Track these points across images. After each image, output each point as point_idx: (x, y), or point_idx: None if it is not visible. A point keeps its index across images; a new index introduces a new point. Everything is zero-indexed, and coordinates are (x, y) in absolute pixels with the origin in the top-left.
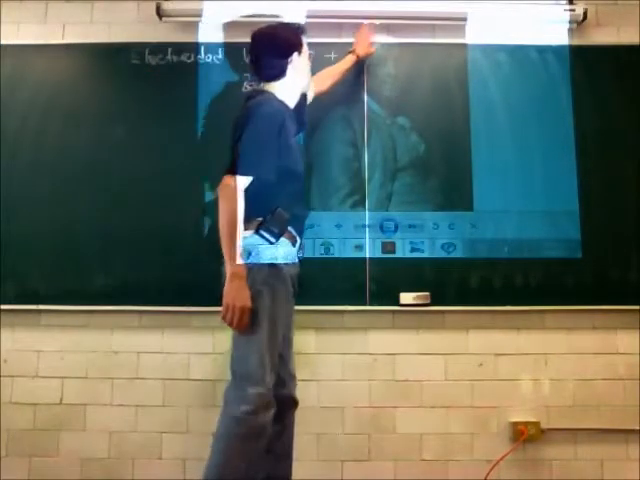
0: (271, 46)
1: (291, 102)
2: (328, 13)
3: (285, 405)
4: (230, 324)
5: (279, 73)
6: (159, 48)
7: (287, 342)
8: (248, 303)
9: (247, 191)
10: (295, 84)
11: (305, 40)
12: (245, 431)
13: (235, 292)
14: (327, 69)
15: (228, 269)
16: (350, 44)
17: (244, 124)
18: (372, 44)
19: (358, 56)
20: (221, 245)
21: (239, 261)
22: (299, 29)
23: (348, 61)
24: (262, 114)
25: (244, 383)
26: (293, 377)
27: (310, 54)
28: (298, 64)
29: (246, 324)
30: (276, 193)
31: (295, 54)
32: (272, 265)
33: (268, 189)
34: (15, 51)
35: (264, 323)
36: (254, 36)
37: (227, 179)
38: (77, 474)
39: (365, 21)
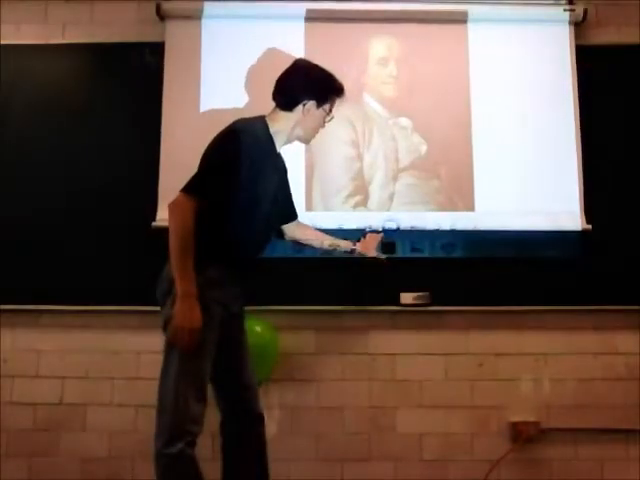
0: (301, 77)
1: (280, 142)
2: (329, 14)
3: (249, 422)
4: (179, 346)
5: (288, 105)
6: (159, 48)
7: (241, 360)
8: (199, 324)
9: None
10: (295, 129)
11: (334, 102)
12: (164, 464)
13: (186, 313)
14: (315, 230)
15: (178, 288)
16: None
17: (210, 142)
18: (376, 252)
19: (354, 250)
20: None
21: (191, 279)
22: (337, 90)
23: (342, 243)
24: (224, 139)
25: (160, 413)
26: (254, 393)
27: (330, 119)
28: (311, 114)
29: (195, 346)
30: (211, 223)
31: (314, 102)
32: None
33: (212, 219)
34: (15, 51)
35: (176, 354)
36: (296, 61)
37: (178, 196)
38: (77, 474)
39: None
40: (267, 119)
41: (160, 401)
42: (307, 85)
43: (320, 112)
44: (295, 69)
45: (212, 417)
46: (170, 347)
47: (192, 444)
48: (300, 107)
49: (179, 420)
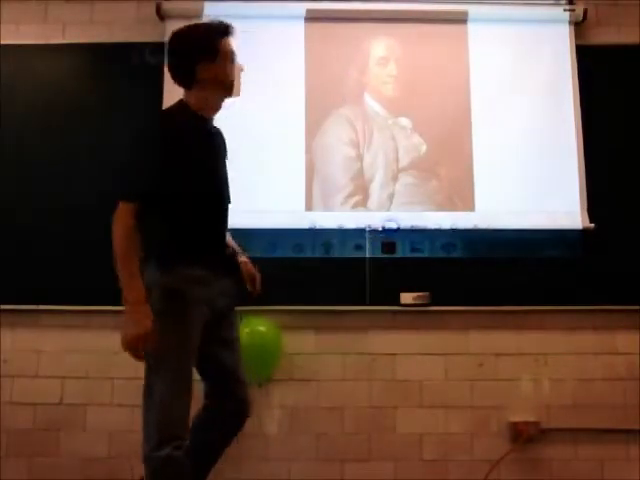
0: (180, 48)
1: (208, 114)
2: (329, 14)
3: (235, 413)
4: (132, 354)
5: (188, 80)
6: (159, 48)
7: (233, 358)
8: (148, 329)
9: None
10: (212, 95)
11: (227, 45)
12: (153, 467)
13: (136, 320)
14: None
15: (126, 296)
16: None
17: (130, 141)
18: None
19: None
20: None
21: (138, 287)
22: (218, 32)
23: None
24: (143, 132)
25: (147, 416)
26: (243, 384)
27: (234, 59)
28: (212, 72)
29: (149, 350)
30: (176, 219)
31: (205, 62)
32: (171, 291)
33: (168, 214)
34: (15, 51)
35: (164, 357)
36: (171, 35)
37: (118, 206)
38: (77, 474)
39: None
40: (185, 101)
41: (146, 406)
42: (190, 55)
43: (220, 63)
44: (173, 49)
45: None
46: (152, 351)
47: (180, 447)
48: (201, 76)
49: (166, 424)
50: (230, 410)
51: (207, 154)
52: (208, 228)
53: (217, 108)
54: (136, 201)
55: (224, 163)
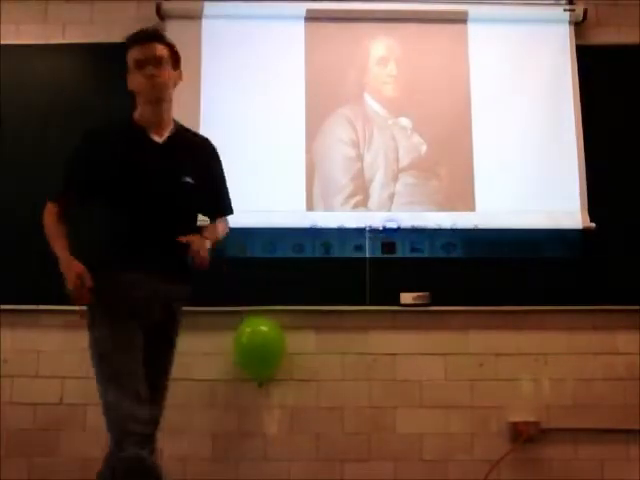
0: None
1: (146, 123)
2: (329, 14)
3: None
4: (75, 302)
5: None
6: None
7: (156, 359)
8: (70, 278)
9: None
10: (140, 104)
11: (132, 55)
12: (117, 466)
13: (65, 272)
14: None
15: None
16: None
17: None
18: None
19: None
20: None
21: (61, 248)
22: (127, 46)
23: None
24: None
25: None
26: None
27: (140, 66)
28: (130, 83)
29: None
30: (104, 222)
31: (127, 73)
32: (100, 295)
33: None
34: (15, 51)
35: (100, 360)
36: None
37: None
38: (77, 474)
39: None
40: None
41: (102, 404)
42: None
43: (131, 75)
44: None
45: (211, 418)
46: (91, 352)
47: (144, 443)
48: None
49: (120, 422)
50: None
51: (132, 162)
52: (139, 232)
53: (150, 118)
54: (54, 200)
55: (183, 171)
